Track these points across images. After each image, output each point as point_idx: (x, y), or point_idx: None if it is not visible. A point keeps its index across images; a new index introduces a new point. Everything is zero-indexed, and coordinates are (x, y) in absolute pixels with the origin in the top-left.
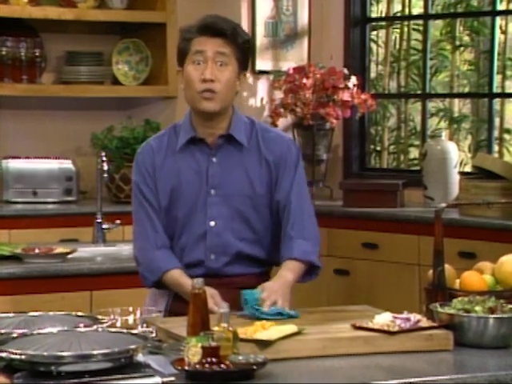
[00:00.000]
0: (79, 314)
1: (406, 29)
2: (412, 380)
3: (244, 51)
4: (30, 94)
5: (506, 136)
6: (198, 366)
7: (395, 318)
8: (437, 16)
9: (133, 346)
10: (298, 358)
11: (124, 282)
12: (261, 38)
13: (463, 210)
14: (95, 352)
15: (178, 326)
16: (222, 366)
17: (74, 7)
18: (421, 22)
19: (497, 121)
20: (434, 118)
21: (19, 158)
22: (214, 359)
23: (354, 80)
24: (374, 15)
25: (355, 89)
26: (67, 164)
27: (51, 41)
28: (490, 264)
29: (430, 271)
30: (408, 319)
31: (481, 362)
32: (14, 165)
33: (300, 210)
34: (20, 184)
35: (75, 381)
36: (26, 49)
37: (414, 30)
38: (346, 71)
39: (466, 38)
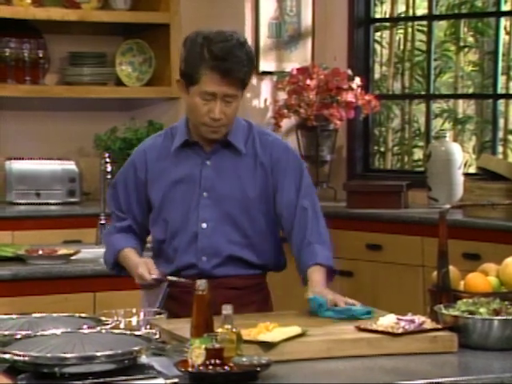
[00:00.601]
0: (83, 315)
1: (410, 29)
2: (416, 382)
3: (250, 79)
4: (33, 95)
5: (511, 137)
6: (201, 368)
7: (399, 319)
8: (441, 17)
9: (136, 348)
10: (302, 360)
11: (127, 284)
12: (264, 39)
13: (467, 212)
14: (99, 353)
15: (182, 327)
16: (226, 367)
17: (77, 8)
18: (425, 22)
19: (501, 122)
20: (438, 119)
21: (22, 159)
22: (217, 361)
23: (357, 81)
24: (377, 16)
25: (359, 90)
26: (70, 165)
27: (54, 42)
28: (495, 265)
29: (435, 273)
30: (412, 321)
31: (485, 364)
32: (17, 166)
33: (315, 216)
34: (23, 185)
35: (79, 382)
36: (29, 50)
37: (418, 30)
38: (349, 72)
39: (471, 39)
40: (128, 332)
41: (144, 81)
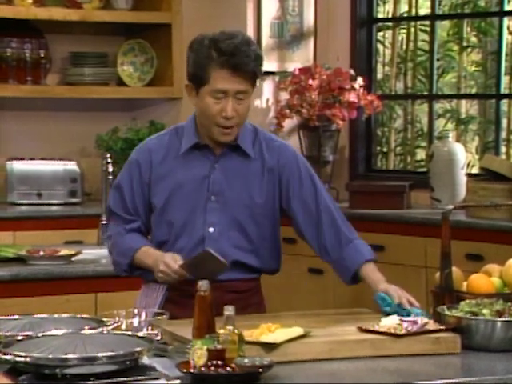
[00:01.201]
0: (84, 316)
1: (412, 29)
2: (419, 383)
3: (259, 75)
4: (35, 95)
5: None
6: (203, 369)
7: (402, 320)
8: (444, 16)
9: (138, 349)
10: (305, 361)
11: (129, 284)
12: (266, 39)
13: (470, 212)
14: (100, 354)
15: (184, 328)
16: (228, 368)
17: (79, 8)
18: (428, 22)
19: (504, 122)
20: (441, 119)
21: (24, 159)
22: (219, 362)
23: (360, 81)
24: (380, 16)
25: (361, 90)
26: (72, 165)
27: (56, 42)
28: (498, 266)
29: (437, 273)
30: (415, 322)
31: (489, 365)
32: (19, 166)
33: (339, 214)
34: (24, 186)
35: (80, 383)
36: (30, 50)
37: (420, 30)
38: (352, 72)
39: (474, 39)
40: (129, 333)
41: (146, 81)
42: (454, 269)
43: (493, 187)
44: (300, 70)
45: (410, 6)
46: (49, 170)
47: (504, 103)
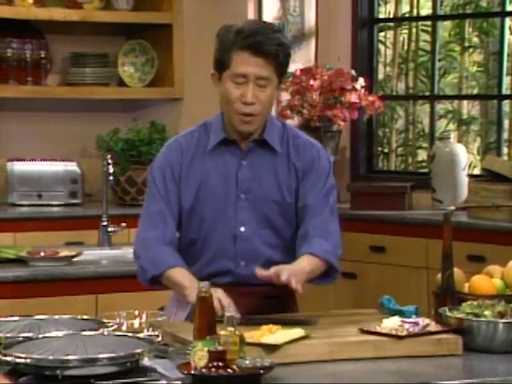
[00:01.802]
0: (85, 317)
1: (414, 30)
2: None
3: (285, 66)
4: (35, 95)
5: None
6: (204, 370)
7: (404, 322)
8: (445, 17)
9: (139, 350)
10: (306, 363)
11: (130, 286)
12: None
13: (472, 213)
14: (101, 356)
15: (185, 329)
16: (229, 370)
17: (79, 8)
18: (429, 22)
19: (506, 123)
20: (442, 119)
21: (24, 160)
22: (220, 363)
23: (361, 81)
24: (381, 16)
25: (363, 90)
26: (72, 166)
27: (56, 42)
28: (500, 268)
29: (439, 275)
30: (416, 323)
31: (490, 366)
32: (19, 167)
33: (328, 219)
34: (25, 186)
35: None
36: (31, 50)
37: (422, 31)
38: (353, 73)
39: (475, 39)
40: (130, 334)
41: (146, 81)
42: (456, 270)
43: (494, 188)
44: (301, 70)
45: (412, 7)
46: (49, 171)
47: (506, 104)
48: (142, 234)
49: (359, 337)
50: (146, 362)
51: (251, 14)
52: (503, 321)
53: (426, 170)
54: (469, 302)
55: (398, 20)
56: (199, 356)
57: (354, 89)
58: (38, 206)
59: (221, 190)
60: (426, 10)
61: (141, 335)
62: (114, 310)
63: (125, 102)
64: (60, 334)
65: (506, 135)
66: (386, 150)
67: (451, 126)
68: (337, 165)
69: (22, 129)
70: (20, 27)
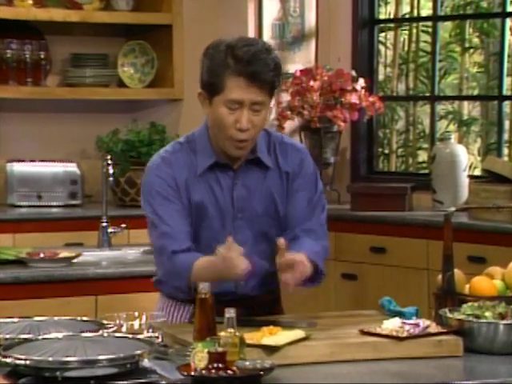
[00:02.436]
0: (84, 318)
1: (414, 30)
2: None
3: (279, 85)
4: (35, 96)
5: None
6: (204, 372)
7: (404, 323)
8: (446, 18)
9: (138, 352)
10: (306, 364)
11: (129, 287)
12: (267, 40)
13: (473, 214)
14: (101, 357)
15: (184, 331)
16: (229, 371)
17: (79, 9)
18: (430, 23)
19: (507, 124)
20: (442, 120)
21: (24, 161)
22: (220, 365)
23: (361, 82)
24: (382, 17)
25: (363, 91)
26: (72, 167)
27: (56, 43)
28: (500, 269)
29: (439, 276)
30: (417, 325)
31: (491, 368)
32: (19, 168)
33: (319, 223)
34: (24, 187)
35: None
36: (30, 51)
37: (422, 31)
38: (353, 73)
39: (476, 40)
40: (130, 336)
41: (146, 82)
42: (456, 271)
43: (495, 189)
44: (301, 71)
45: (412, 7)
46: (49, 172)
47: (506, 105)
48: (161, 242)
49: (360, 338)
50: (146, 363)
51: (251, 15)
52: (504, 322)
53: (426, 171)
54: (469, 304)
55: (399, 21)
56: (199, 357)
57: (355, 90)
58: (38, 207)
59: (217, 212)
60: (426, 11)
61: (140, 336)
62: (113, 312)
63: (125, 102)
64: (60, 335)
65: (506, 136)
66: (386, 151)
67: (452, 127)
68: (337, 166)
69: (21, 130)
70: (20, 28)
